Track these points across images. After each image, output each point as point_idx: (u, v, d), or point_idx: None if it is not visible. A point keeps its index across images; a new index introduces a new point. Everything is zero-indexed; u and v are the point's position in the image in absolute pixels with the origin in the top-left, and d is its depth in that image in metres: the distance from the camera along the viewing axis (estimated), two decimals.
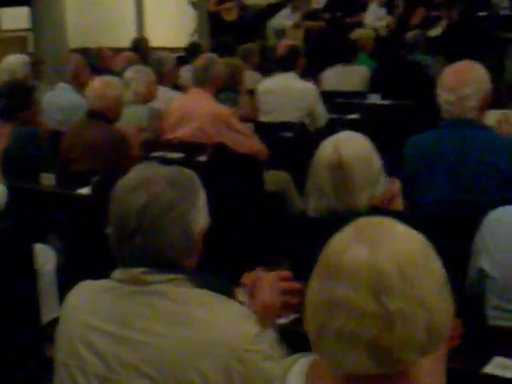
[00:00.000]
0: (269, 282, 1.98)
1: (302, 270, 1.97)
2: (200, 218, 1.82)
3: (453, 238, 2.51)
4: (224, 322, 1.72)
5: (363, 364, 1.29)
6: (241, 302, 1.86)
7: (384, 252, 1.28)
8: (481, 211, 2.43)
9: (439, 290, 1.30)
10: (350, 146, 2.52)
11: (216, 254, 2.74)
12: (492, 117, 3.86)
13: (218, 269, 2.00)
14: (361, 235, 1.32)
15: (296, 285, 2.00)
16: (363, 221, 1.37)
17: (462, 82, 3.18)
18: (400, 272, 1.27)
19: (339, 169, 2.50)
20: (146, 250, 1.75)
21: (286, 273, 2.05)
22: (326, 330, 1.30)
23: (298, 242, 2.59)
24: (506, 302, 2.26)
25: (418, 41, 7.60)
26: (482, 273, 2.33)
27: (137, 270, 1.76)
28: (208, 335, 1.69)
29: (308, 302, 1.36)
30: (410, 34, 7.74)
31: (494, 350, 2.01)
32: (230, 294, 1.84)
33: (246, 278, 2.05)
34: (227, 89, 5.47)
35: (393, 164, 2.97)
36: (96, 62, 7.16)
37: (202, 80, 5.01)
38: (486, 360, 1.96)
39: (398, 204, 2.81)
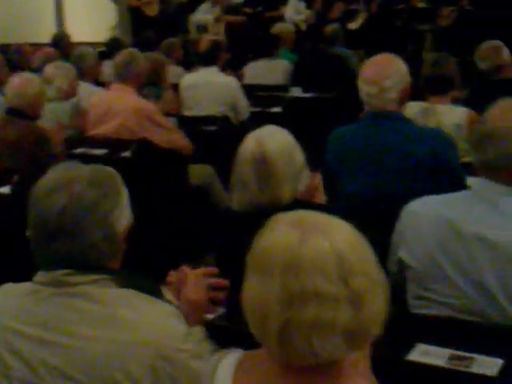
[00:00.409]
0: (195, 279, 1.98)
1: (228, 264, 1.99)
2: (123, 217, 1.79)
3: (374, 229, 2.54)
4: (150, 321, 1.70)
5: (339, 349, 1.31)
6: (168, 301, 1.85)
7: (338, 238, 1.33)
8: (402, 202, 2.46)
9: (378, 267, 1.37)
10: (273, 140, 2.54)
11: (141, 252, 2.72)
12: (411, 108, 3.95)
13: (144, 268, 1.98)
14: (306, 226, 1.34)
15: (222, 281, 2.01)
16: (297, 213, 1.39)
17: (383, 75, 3.22)
18: (355, 253, 1.32)
19: (263, 163, 2.51)
20: (68, 251, 1.72)
21: (212, 269, 2.05)
22: (294, 324, 1.30)
23: (224, 236, 2.60)
24: (426, 291, 2.28)
25: (337, 34, 7.69)
26: (401, 263, 2.36)
27: (59, 272, 1.73)
28: (134, 335, 1.67)
29: (256, 303, 1.35)
30: (330, 28, 7.82)
31: (417, 337, 2.05)
32: (156, 293, 1.82)
33: (172, 275, 2.04)
34: (150, 84, 5.44)
35: (316, 157, 3.00)
36: (16, 58, 7.00)
37: (124, 75, 4.96)
38: (409, 347, 2.00)
39: (320, 197, 2.83)
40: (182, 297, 1.95)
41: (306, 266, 1.30)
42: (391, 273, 2.40)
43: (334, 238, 1.32)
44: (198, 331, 1.86)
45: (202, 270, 2.02)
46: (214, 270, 2.05)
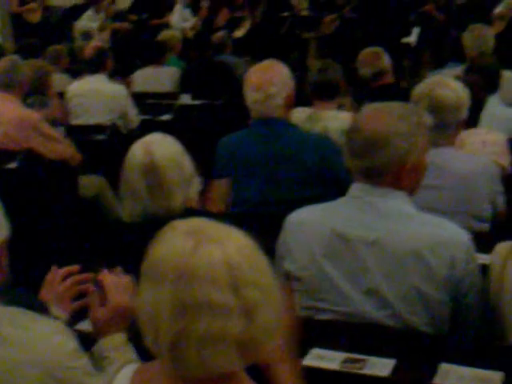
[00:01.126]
0: (115, 283, 1.91)
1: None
2: None
3: (266, 236, 2.57)
4: (37, 339, 1.62)
5: (231, 361, 1.31)
6: (55, 317, 1.79)
7: (231, 247, 1.32)
8: (293, 208, 2.49)
9: (274, 277, 1.37)
10: (161, 148, 2.53)
11: (28, 266, 2.65)
12: (298, 114, 4.02)
13: (28, 283, 1.92)
14: (199, 235, 1.34)
15: (87, 275, 2.00)
16: (192, 222, 1.39)
17: (268, 82, 3.26)
18: (248, 263, 1.31)
19: (152, 171, 2.50)
20: None
21: (74, 267, 2.04)
22: (185, 335, 1.29)
23: (116, 248, 2.56)
24: (316, 301, 2.28)
25: (225, 42, 7.73)
26: (289, 275, 2.34)
27: None
28: (22, 355, 1.59)
29: (149, 314, 1.33)
30: (217, 35, 7.85)
31: (312, 342, 2.08)
32: (41, 309, 1.76)
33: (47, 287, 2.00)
34: (35, 92, 5.30)
35: (206, 164, 3.01)
36: None
37: (6, 84, 4.81)
38: (304, 352, 2.02)
39: (214, 207, 2.85)
40: (107, 303, 1.90)
41: (197, 275, 1.29)
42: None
43: (227, 247, 1.32)
44: (118, 337, 1.83)
45: (64, 269, 2.00)
46: (75, 267, 2.03)
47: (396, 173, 2.22)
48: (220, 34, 7.89)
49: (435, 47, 8.91)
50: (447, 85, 3.04)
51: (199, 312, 1.28)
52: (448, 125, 3.03)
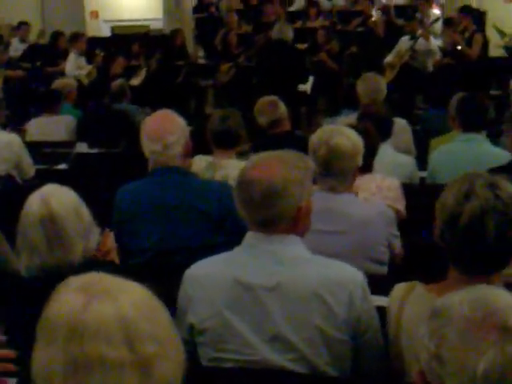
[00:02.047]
0: None
1: (19, 334, 1.89)
2: None
3: (168, 286, 2.54)
4: None
5: None
6: None
7: (125, 301, 1.29)
8: (195, 257, 2.48)
9: (172, 329, 1.35)
10: (59, 199, 2.49)
11: None
12: (199, 162, 4.02)
13: None
14: (92, 290, 1.31)
15: (9, 352, 1.91)
16: (86, 277, 1.36)
17: (165, 132, 3.25)
18: (144, 316, 1.29)
19: (50, 223, 2.45)
20: None
21: None
22: None
23: (13, 305, 2.46)
24: (221, 352, 2.28)
25: (123, 89, 7.69)
26: (192, 329, 2.33)
27: None
28: None
29: (43, 374, 1.29)
30: (115, 83, 7.80)
31: None
32: None
33: None
34: None
35: (104, 214, 2.96)
36: None
37: None
38: None
39: (114, 256, 2.80)
40: None
41: (89, 332, 1.26)
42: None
43: (121, 301, 1.29)
44: None
45: None
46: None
47: (291, 219, 2.27)
48: (118, 82, 7.85)
49: (329, 95, 9.16)
50: (343, 133, 3.12)
51: (92, 369, 1.24)
52: (345, 172, 3.10)
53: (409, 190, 4.04)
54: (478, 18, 8.71)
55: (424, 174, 4.90)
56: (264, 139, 4.50)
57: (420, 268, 3.09)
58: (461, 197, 2.05)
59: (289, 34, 7.93)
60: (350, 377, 2.30)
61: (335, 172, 3.07)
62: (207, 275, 2.32)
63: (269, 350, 2.22)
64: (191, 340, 2.34)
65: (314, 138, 3.13)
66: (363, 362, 2.33)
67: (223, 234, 3.16)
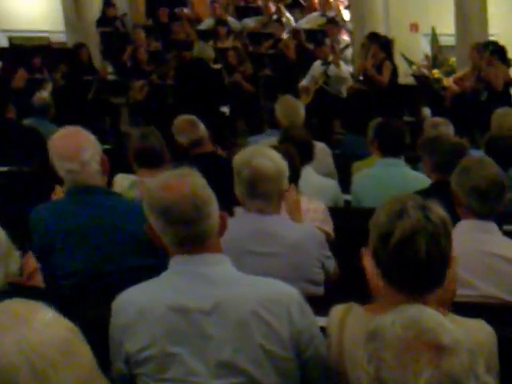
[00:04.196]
0: None
1: None
2: None
3: (96, 310, 2.42)
4: None
5: None
6: None
7: (13, 344, 1.16)
8: (124, 280, 2.37)
9: (85, 381, 1.21)
10: None
11: None
12: (121, 181, 3.89)
13: None
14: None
15: None
16: None
17: (78, 148, 3.09)
18: (31, 367, 1.15)
19: None
20: None
21: None
22: None
23: None
24: (161, 382, 2.19)
25: (47, 105, 7.39)
26: (129, 360, 2.22)
27: None
28: None
29: None
30: (39, 97, 7.47)
31: None
32: None
33: None
34: None
35: (19, 235, 2.80)
36: None
37: None
38: None
39: (38, 280, 2.65)
40: None
41: None
42: (119, 375, 2.25)
43: (12, 342, 1.17)
44: None
45: None
46: None
47: (215, 236, 2.25)
48: (41, 96, 7.53)
49: (247, 116, 9.17)
50: (266, 154, 3.08)
51: None
52: (270, 194, 3.06)
53: (336, 212, 4.04)
54: (386, 45, 8.88)
55: (347, 197, 4.93)
56: (186, 159, 4.40)
57: (356, 288, 3.09)
58: (393, 215, 2.08)
59: (210, 53, 7.90)
60: None
61: (260, 194, 3.03)
62: (140, 303, 2.21)
63: (214, 375, 2.16)
64: (128, 372, 2.24)
65: (237, 160, 3.08)
66: (310, 378, 2.31)
67: (153, 256, 3.03)
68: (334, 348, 2.22)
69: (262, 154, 3.07)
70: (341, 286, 3.31)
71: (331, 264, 3.31)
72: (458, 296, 2.21)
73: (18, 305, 1.23)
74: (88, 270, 3.06)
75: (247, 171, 3.01)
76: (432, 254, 2.05)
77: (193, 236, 2.20)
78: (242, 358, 2.16)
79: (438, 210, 2.11)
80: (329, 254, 3.30)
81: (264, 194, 3.04)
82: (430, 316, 1.45)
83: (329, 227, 3.74)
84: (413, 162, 5.16)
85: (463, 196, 2.96)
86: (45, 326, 1.21)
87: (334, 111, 9.10)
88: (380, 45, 8.66)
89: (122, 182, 3.86)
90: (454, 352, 1.35)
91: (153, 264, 2.87)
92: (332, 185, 4.72)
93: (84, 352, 1.22)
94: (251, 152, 3.11)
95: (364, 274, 3.23)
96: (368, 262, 2.74)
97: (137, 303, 2.22)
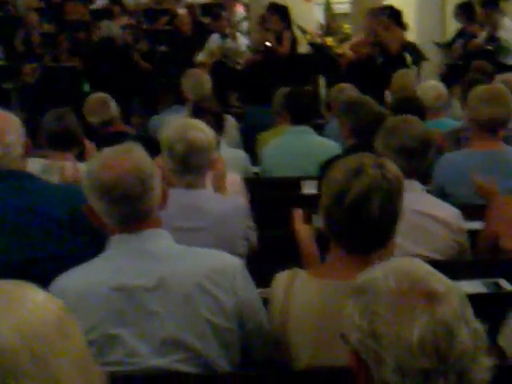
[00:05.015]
0: None
1: None
2: None
3: None
4: None
5: None
6: None
7: (9, 326, 1.08)
8: (55, 265, 2.30)
9: (80, 367, 1.15)
10: None
11: None
12: (32, 165, 3.75)
13: None
14: None
15: None
16: None
17: (3, 132, 2.99)
18: (30, 350, 1.08)
19: None
20: None
21: None
22: None
23: None
24: (105, 366, 2.08)
25: None
26: None
27: None
28: None
29: None
30: None
31: None
32: None
33: None
34: None
35: None
36: None
37: None
38: None
39: None
40: None
41: None
42: None
43: (8, 324, 1.08)
44: None
45: None
46: None
47: (156, 210, 2.22)
48: None
49: (142, 94, 9.05)
50: (197, 127, 3.06)
51: None
52: (203, 167, 3.07)
53: (249, 183, 4.07)
54: (285, 15, 8.94)
55: (254, 169, 4.96)
56: (98, 139, 4.31)
57: (274, 258, 3.12)
58: (350, 174, 2.11)
59: (117, 31, 7.73)
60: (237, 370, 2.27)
61: (193, 168, 3.02)
62: (78, 286, 2.16)
63: (158, 354, 2.13)
64: None
65: (168, 135, 3.03)
66: (251, 350, 2.32)
67: (79, 241, 2.95)
68: (277, 315, 2.23)
69: (193, 127, 3.04)
70: (257, 256, 3.33)
71: (254, 235, 3.33)
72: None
73: (7, 286, 1.17)
74: (14, 260, 2.93)
75: (181, 145, 2.98)
76: (385, 212, 2.09)
77: (137, 213, 2.17)
78: (187, 333, 2.14)
79: (393, 169, 2.15)
80: (252, 224, 3.32)
81: (197, 167, 3.03)
82: (419, 266, 1.47)
83: (244, 199, 3.75)
84: (318, 129, 5.24)
85: (390, 156, 3.05)
86: (39, 306, 1.14)
87: (231, 84, 9.11)
88: (279, 15, 8.70)
89: (33, 165, 3.71)
90: (446, 299, 1.38)
91: (80, 248, 2.81)
92: (242, 156, 4.74)
93: (78, 332, 1.17)
94: (182, 126, 3.07)
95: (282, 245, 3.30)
96: (301, 226, 2.79)
97: (75, 287, 2.16)
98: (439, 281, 1.42)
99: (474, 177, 3.58)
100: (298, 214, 2.92)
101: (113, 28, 7.81)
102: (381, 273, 1.44)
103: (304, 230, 2.84)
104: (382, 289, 1.41)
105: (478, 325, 1.39)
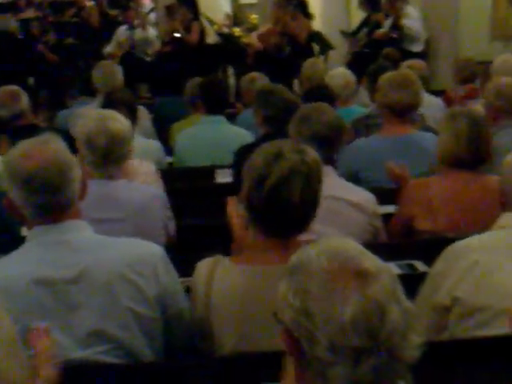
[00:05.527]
0: None
1: None
2: None
3: None
4: None
5: None
6: None
7: None
8: None
9: (8, 350, 1.15)
10: None
11: None
12: None
13: None
14: None
15: None
16: None
17: None
18: None
19: None
20: None
21: None
22: None
23: None
24: None
25: None
26: None
27: None
28: None
29: None
30: None
31: None
32: None
33: None
34: None
35: None
36: None
37: None
38: None
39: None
40: None
41: None
42: None
43: None
44: None
45: None
46: None
47: (76, 201, 2.21)
48: None
49: (51, 87, 8.87)
50: (116, 118, 3.04)
51: None
52: (124, 158, 3.06)
53: (163, 174, 4.04)
54: (194, 6, 8.92)
55: (168, 159, 4.94)
56: (9, 132, 4.20)
57: (191, 248, 3.12)
58: (270, 158, 2.13)
59: (12, 24, 7.54)
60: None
61: (115, 159, 3.00)
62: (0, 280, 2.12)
63: (81, 346, 2.11)
64: None
65: (87, 128, 2.99)
66: (173, 338, 2.32)
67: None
68: (200, 303, 2.23)
69: (111, 118, 3.02)
70: (174, 246, 3.33)
71: (172, 225, 3.32)
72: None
73: None
74: None
75: (102, 137, 2.95)
76: (305, 197, 2.12)
77: (57, 203, 2.14)
78: (110, 324, 2.13)
79: (312, 154, 2.19)
80: (170, 214, 3.32)
81: (118, 158, 3.01)
82: (351, 245, 1.48)
83: (158, 188, 3.73)
84: (229, 119, 5.26)
85: (303, 144, 3.08)
86: None
87: (142, 75, 9.04)
88: (188, 6, 8.69)
89: None
90: (377, 278, 1.39)
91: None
92: (156, 146, 4.70)
93: (6, 320, 1.16)
94: (100, 117, 3.04)
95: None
96: (235, 214, 2.80)
97: None
98: (371, 260, 1.44)
99: (386, 163, 3.66)
100: (232, 201, 2.92)
101: (10, 22, 7.60)
102: (314, 252, 1.46)
103: (237, 217, 2.85)
104: (314, 268, 1.42)
105: (408, 304, 1.42)
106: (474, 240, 2.42)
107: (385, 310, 1.37)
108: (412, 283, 2.61)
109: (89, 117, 3.06)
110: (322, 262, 1.42)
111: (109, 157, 2.98)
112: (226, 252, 2.52)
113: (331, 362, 1.37)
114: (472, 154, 3.15)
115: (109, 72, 5.48)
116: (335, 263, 1.41)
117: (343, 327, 1.36)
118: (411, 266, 2.99)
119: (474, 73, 6.29)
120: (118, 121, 3.02)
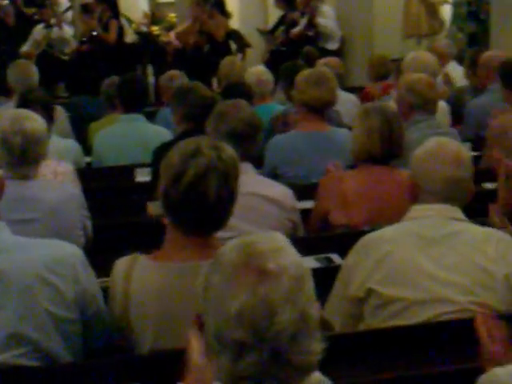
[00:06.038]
0: None
1: None
2: None
3: None
4: None
5: None
6: None
7: None
8: None
9: None
10: None
11: None
12: None
13: None
14: None
15: None
16: None
17: None
18: None
19: None
20: None
21: None
22: None
23: None
24: None
25: None
26: None
27: None
28: None
29: None
30: None
31: None
32: None
33: None
34: None
35: None
36: None
37: None
38: None
39: None
40: None
41: None
42: None
43: None
44: None
45: None
46: None
47: None
48: None
49: None
50: (32, 118, 3.00)
51: None
52: (40, 157, 3.01)
53: (80, 174, 4.01)
54: (113, 5, 8.84)
55: (86, 159, 4.89)
56: None
57: (110, 247, 3.10)
58: (186, 155, 2.14)
59: None
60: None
61: (32, 159, 2.96)
62: None
63: (2, 349, 2.08)
64: None
65: (3, 126, 2.92)
66: (92, 338, 2.31)
67: None
68: (118, 301, 2.22)
69: (27, 118, 2.97)
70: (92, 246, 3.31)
71: (90, 225, 3.30)
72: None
73: None
74: None
75: (18, 137, 2.89)
76: (221, 193, 2.13)
77: None
78: (28, 327, 2.11)
79: (229, 151, 2.20)
80: (88, 214, 3.29)
81: (34, 158, 2.97)
82: (269, 242, 1.48)
83: (76, 188, 3.69)
84: (148, 117, 5.24)
85: (221, 141, 3.09)
86: None
87: (59, 74, 8.92)
88: (106, 4, 8.61)
89: None
90: (275, 279, 1.40)
91: None
92: (74, 146, 4.64)
93: None
94: (16, 117, 2.98)
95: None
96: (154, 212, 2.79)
97: None
98: (281, 259, 1.43)
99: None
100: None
101: None
102: (229, 246, 1.48)
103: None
104: (224, 260, 1.45)
105: (311, 310, 1.42)
106: (384, 232, 2.50)
107: (275, 311, 1.38)
108: (329, 276, 2.68)
109: (4, 117, 3.01)
110: (232, 256, 1.44)
111: (25, 157, 2.93)
112: (145, 250, 2.52)
113: (217, 350, 1.41)
114: (384, 150, 3.23)
115: (24, 71, 5.40)
116: (241, 258, 1.43)
117: (228, 319, 1.39)
118: (328, 259, 3.05)
119: (387, 70, 6.46)
120: (33, 120, 2.98)
